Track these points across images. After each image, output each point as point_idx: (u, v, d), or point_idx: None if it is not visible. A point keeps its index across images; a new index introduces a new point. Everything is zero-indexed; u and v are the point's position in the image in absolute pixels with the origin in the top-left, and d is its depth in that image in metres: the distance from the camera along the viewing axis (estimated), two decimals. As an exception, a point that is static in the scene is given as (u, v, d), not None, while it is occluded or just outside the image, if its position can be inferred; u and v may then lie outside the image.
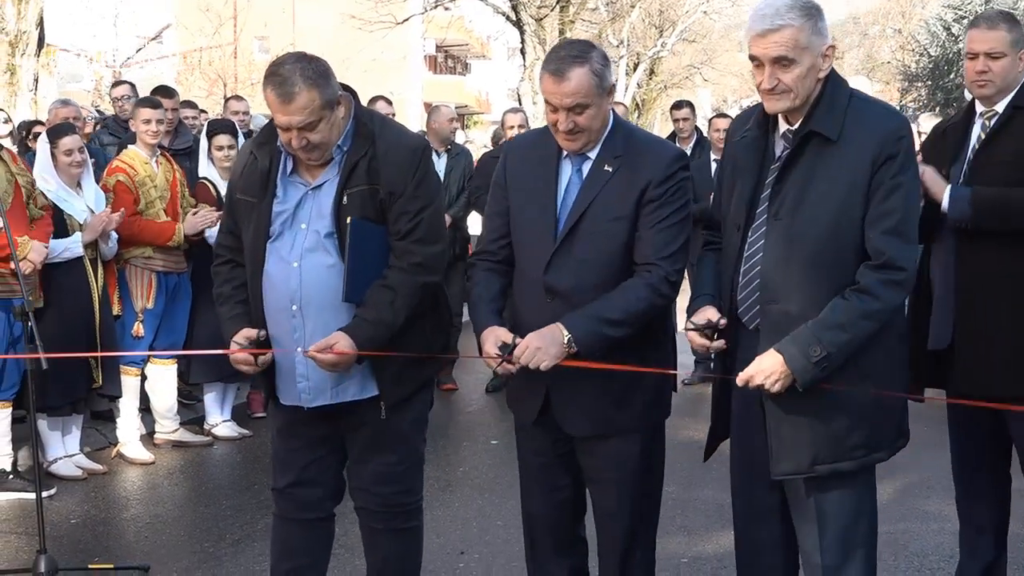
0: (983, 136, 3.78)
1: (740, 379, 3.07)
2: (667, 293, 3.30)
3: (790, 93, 3.02)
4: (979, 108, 3.85)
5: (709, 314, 3.19)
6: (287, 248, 3.46)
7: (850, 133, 3.02)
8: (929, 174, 3.73)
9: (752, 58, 3.04)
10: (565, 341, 3.20)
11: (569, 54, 3.24)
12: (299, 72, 3.27)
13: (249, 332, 3.49)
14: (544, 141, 3.43)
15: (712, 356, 3.31)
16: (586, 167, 3.35)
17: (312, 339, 3.42)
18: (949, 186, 3.71)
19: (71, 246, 5.94)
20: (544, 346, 3.19)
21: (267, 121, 3.62)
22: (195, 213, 6.63)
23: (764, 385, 3.02)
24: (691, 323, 3.20)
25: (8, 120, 9.03)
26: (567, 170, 3.39)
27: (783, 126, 3.14)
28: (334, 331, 3.38)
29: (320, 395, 3.53)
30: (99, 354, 6.00)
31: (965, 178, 3.76)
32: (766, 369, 3.01)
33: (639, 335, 3.33)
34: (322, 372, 3.45)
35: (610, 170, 3.30)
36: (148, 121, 6.51)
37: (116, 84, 9.28)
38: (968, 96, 4.06)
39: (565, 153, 3.38)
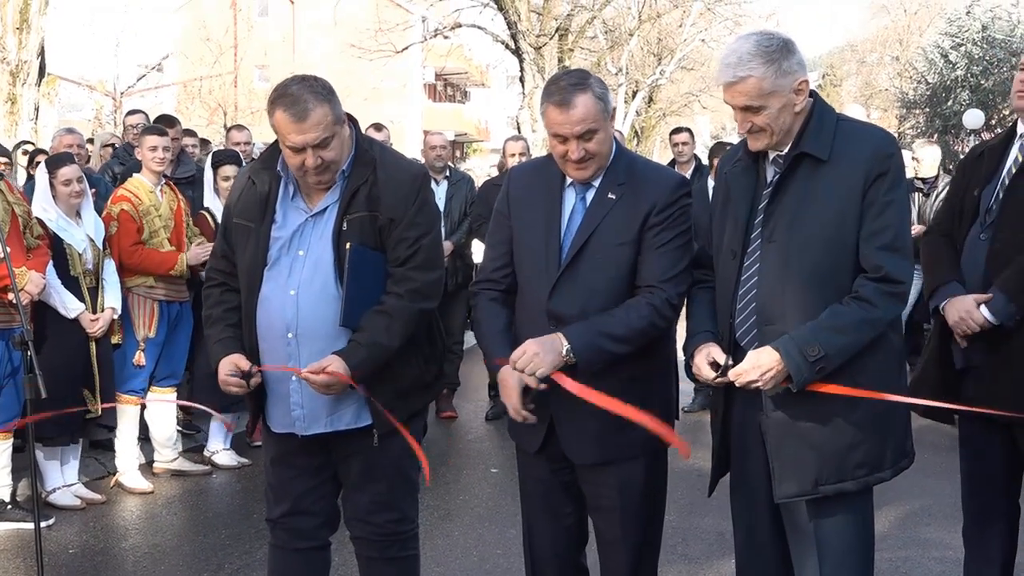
0: (1020, 158, 3.76)
1: (735, 376, 3.08)
2: (668, 315, 3.31)
3: (766, 132, 3.12)
4: (1020, 130, 3.83)
5: (716, 354, 3.19)
6: (284, 275, 3.45)
7: (840, 153, 3.08)
8: (951, 311, 3.70)
9: (731, 105, 3.14)
10: (564, 351, 3.20)
11: (569, 83, 3.28)
12: (308, 90, 3.31)
13: (240, 362, 3.46)
14: (547, 169, 3.46)
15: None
16: (590, 195, 3.38)
17: (307, 366, 3.42)
18: (982, 306, 3.65)
19: (69, 305, 5.93)
20: (542, 352, 3.19)
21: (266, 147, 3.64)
22: (199, 244, 6.63)
23: (759, 383, 3.03)
24: (694, 364, 3.22)
25: (26, 152, 9.14)
26: (571, 198, 3.42)
27: (772, 152, 3.21)
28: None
29: (315, 423, 3.53)
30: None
31: (997, 199, 3.74)
32: (763, 365, 3.03)
33: (643, 363, 3.35)
34: (317, 399, 3.45)
35: (614, 197, 3.33)
36: (155, 148, 6.52)
37: (131, 113, 9.24)
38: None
39: (569, 181, 3.41)
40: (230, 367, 3.45)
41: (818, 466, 3.12)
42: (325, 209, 3.47)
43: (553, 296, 3.35)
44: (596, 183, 3.37)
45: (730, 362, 3.15)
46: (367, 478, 3.64)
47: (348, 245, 3.37)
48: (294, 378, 3.46)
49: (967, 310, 3.66)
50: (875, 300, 3.03)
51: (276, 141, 3.50)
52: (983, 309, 3.64)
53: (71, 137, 7.82)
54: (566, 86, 3.27)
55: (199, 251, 6.55)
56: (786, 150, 3.14)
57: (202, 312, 3.68)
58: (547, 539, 3.63)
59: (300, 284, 3.43)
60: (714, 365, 3.19)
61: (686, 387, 8.94)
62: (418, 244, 3.46)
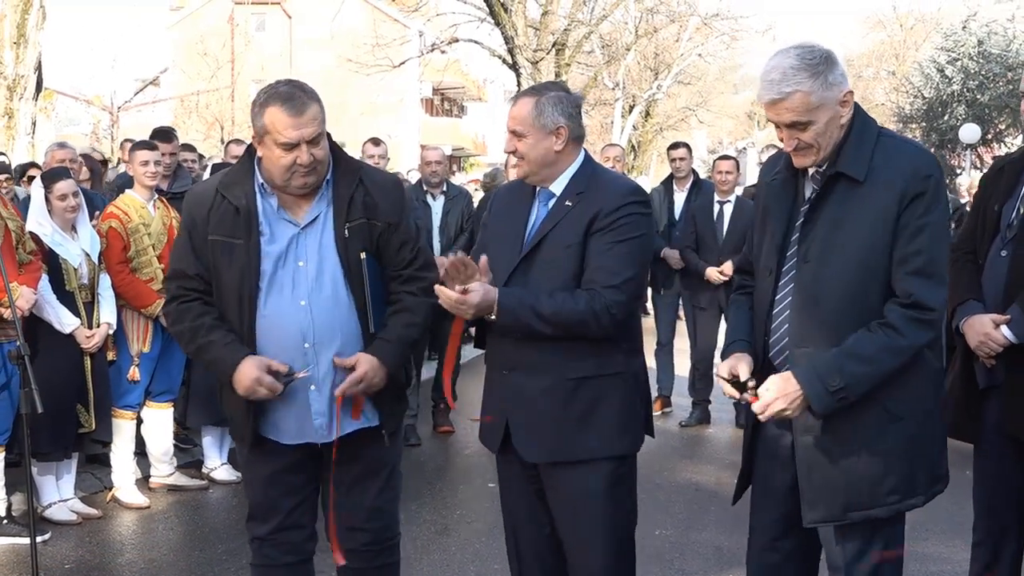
0: None
1: (761, 409, 3.02)
2: (605, 323, 3.35)
3: (813, 148, 3.05)
4: None
5: (741, 369, 3.15)
6: (287, 287, 3.46)
7: (877, 173, 3.01)
8: (971, 333, 3.69)
9: (775, 123, 3.07)
10: (492, 308, 3.34)
11: (531, 88, 3.57)
12: (299, 88, 3.40)
13: (273, 363, 3.42)
14: (523, 184, 3.63)
15: (743, 403, 3.27)
16: (552, 203, 3.51)
17: (326, 375, 3.49)
18: (1003, 327, 3.64)
19: (64, 321, 5.93)
20: (482, 293, 3.30)
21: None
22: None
23: (785, 411, 2.99)
24: (719, 375, 3.22)
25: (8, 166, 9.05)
26: (536, 208, 3.56)
27: (811, 168, 3.14)
28: (340, 372, 3.50)
29: (333, 429, 3.56)
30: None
31: (1017, 214, 3.74)
32: (790, 394, 2.97)
33: (593, 368, 3.42)
34: (333, 408, 3.51)
35: (570, 204, 3.46)
36: (146, 163, 6.51)
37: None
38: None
39: (539, 190, 3.55)
40: (262, 368, 3.41)
41: (848, 492, 3.07)
42: (316, 219, 3.50)
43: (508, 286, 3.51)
44: (558, 191, 3.50)
45: (752, 382, 3.11)
46: (367, 482, 3.69)
47: (363, 254, 3.47)
48: (312, 387, 3.50)
49: (986, 332, 3.64)
50: (902, 327, 2.95)
51: (245, 156, 3.56)
52: (1004, 329, 3.63)
53: (63, 152, 7.79)
54: (528, 89, 3.57)
55: None
56: (824, 167, 3.09)
57: (181, 325, 3.56)
58: (527, 548, 3.68)
59: (309, 294, 3.46)
60: (735, 381, 3.15)
61: (684, 401, 8.98)
62: (418, 245, 3.63)
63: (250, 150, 3.57)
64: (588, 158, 3.56)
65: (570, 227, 3.41)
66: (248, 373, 3.41)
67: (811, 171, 3.14)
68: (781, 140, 3.10)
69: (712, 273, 8.40)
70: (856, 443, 3.05)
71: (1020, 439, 3.66)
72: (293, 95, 3.35)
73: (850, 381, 2.93)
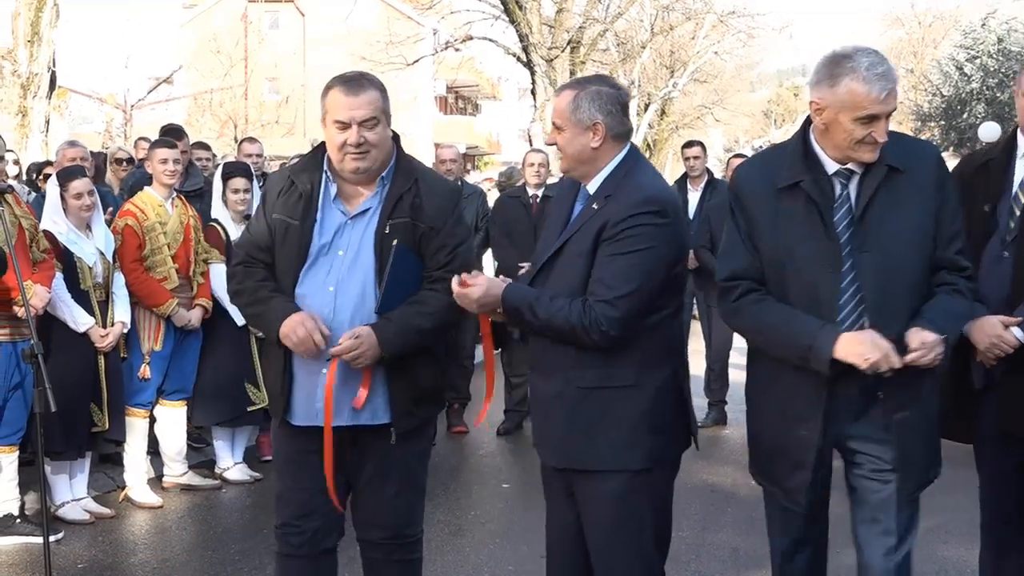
0: None
1: (916, 356, 3.11)
2: (594, 338, 3.27)
3: (880, 142, 3.22)
4: (1022, 141, 3.85)
5: (879, 339, 3.15)
6: (323, 273, 3.61)
7: (909, 161, 3.26)
8: (979, 336, 3.69)
9: (869, 117, 3.15)
10: (499, 301, 3.38)
11: (575, 80, 3.55)
12: (365, 75, 3.66)
13: (323, 327, 3.53)
14: (571, 182, 3.61)
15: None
16: (583, 205, 3.48)
17: (341, 361, 3.54)
18: (1014, 328, 3.64)
19: (79, 320, 5.96)
20: (484, 287, 3.37)
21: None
22: (191, 310, 6.64)
23: (927, 359, 3.12)
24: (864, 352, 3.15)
25: (16, 162, 9.07)
26: (577, 207, 3.52)
27: (832, 166, 3.28)
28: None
29: (337, 415, 3.59)
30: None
31: (1014, 216, 3.73)
32: (931, 342, 3.12)
33: (603, 379, 3.34)
34: (343, 392, 3.56)
35: (595, 208, 3.39)
36: (165, 161, 6.55)
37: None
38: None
39: (582, 187, 3.51)
40: (311, 323, 3.50)
41: (924, 461, 3.38)
42: (365, 212, 3.64)
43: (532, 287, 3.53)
44: (592, 192, 3.44)
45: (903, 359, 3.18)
46: (380, 480, 3.72)
47: (395, 242, 3.56)
48: (324, 370, 3.56)
49: (998, 334, 3.63)
50: (969, 296, 3.31)
51: (319, 146, 3.73)
52: (1015, 331, 3.62)
53: (75, 151, 7.81)
54: (571, 80, 3.58)
55: (185, 316, 6.56)
56: (849, 164, 3.26)
57: (241, 284, 3.71)
58: (557, 548, 3.65)
59: (339, 281, 3.59)
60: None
61: (700, 402, 8.97)
62: (456, 251, 3.68)
63: (323, 141, 3.73)
64: (628, 157, 3.45)
65: (587, 233, 3.35)
66: (295, 318, 3.52)
67: (832, 169, 3.28)
68: (860, 139, 3.18)
69: None
70: (923, 416, 3.34)
71: (1018, 435, 3.65)
72: (355, 79, 3.59)
73: (950, 338, 3.22)
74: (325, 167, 3.68)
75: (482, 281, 3.38)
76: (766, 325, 3.34)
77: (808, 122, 3.37)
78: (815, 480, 3.35)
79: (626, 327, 3.27)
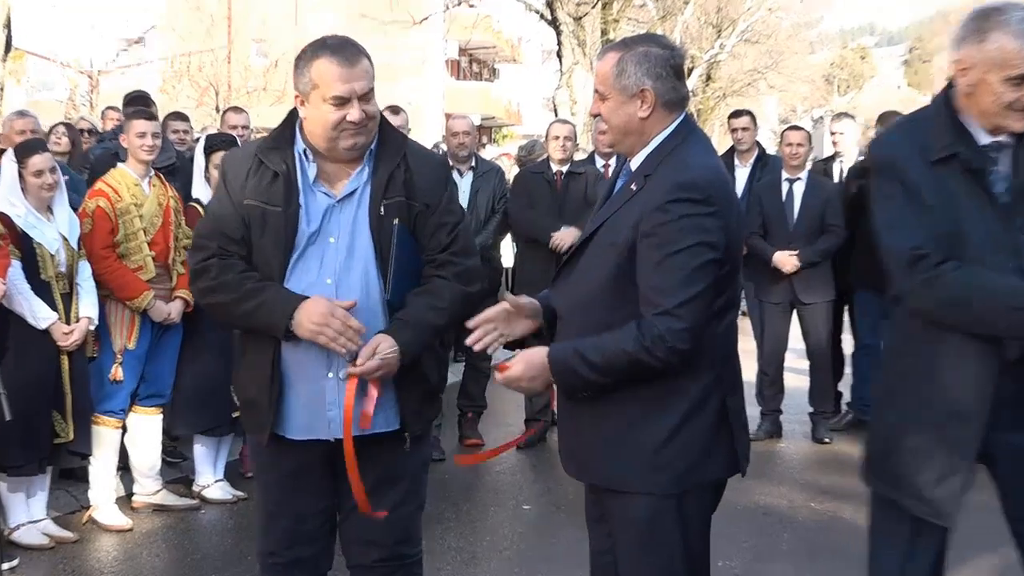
0: None
1: None
2: (661, 356, 3.17)
3: None
4: None
5: None
6: (315, 264, 3.62)
7: None
8: None
9: (1021, 77, 3.17)
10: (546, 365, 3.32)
11: (620, 41, 3.48)
12: (349, 40, 3.62)
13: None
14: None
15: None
16: (621, 183, 3.46)
17: (344, 362, 3.58)
18: None
19: (39, 314, 5.97)
20: (524, 363, 3.32)
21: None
22: (170, 302, 6.66)
23: None
24: None
25: None
26: (618, 185, 3.49)
27: (983, 136, 3.32)
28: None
29: (353, 424, 3.61)
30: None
31: None
32: None
33: (626, 393, 3.29)
34: (357, 399, 3.57)
35: (634, 189, 3.34)
36: (143, 135, 6.54)
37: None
38: None
39: (626, 163, 3.49)
40: (341, 311, 3.51)
41: None
42: (352, 193, 3.66)
43: (555, 282, 3.54)
44: (634, 169, 3.41)
45: None
46: (381, 492, 3.72)
47: (396, 222, 3.61)
48: (329, 375, 3.60)
49: None
50: None
51: (286, 121, 3.71)
52: None
53: (23, 121, 7.78)
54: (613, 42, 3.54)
55: (164, 310, 6.58)
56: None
57: (220, 278, 3.64)
58: (593, 571, 3.68)
59: (337, 273, 3.62)
60: None
61: (751, 411, 8.90)
62: (456, 230, 3.73)
63: (291, 114, 3.72)
64: (679, 129, 3.38)
65: (622, 221, 3.29)
66: (318, 306, 3.50)
67: (985, 140, 3.32)
68: (1009, 104, 3.21)
69: (782, 259, 8.36)
70: None
71: None
72: (344, 46, 3.56)
73: None
74: (299, 146, 3.67)
75: (518, 357, 3.33)
76: (980, 288, 3.27)
77: (950, 86, 3.38)
78: (963, 490, 3.36)
79: (696, 338, 3.18)
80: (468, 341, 3.50)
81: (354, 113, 3.52)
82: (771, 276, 8.50)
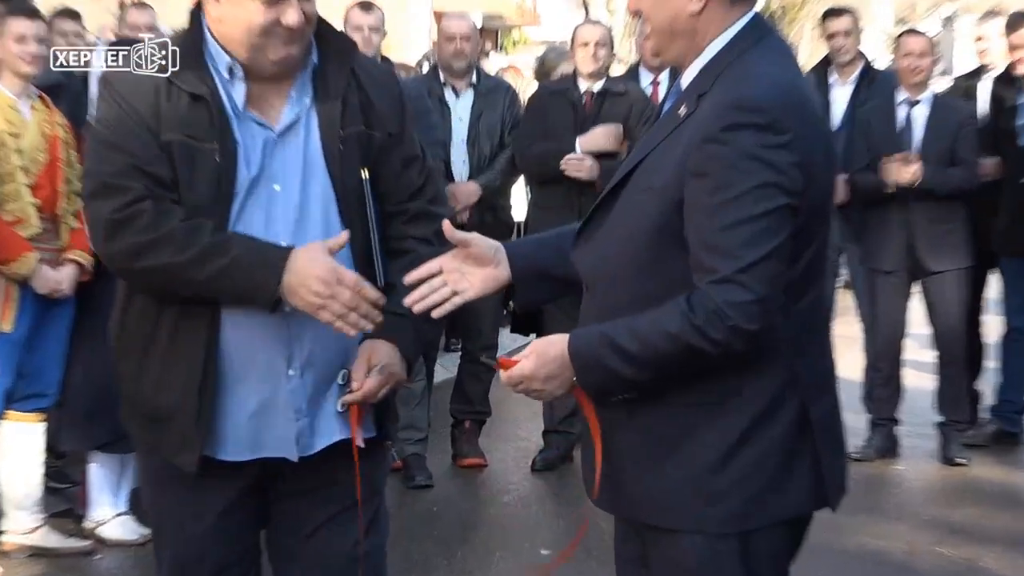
0: None
1: None
2: (719, 338, 3.08)
3: None
4: None
5: None
6: (260, 220, 3.56)
7: None
8: None
9: None
10: (571, 375, 3.25)
11: None
12: None
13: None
14: None
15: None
16: (670, 104, 3.40)
17: (312, 353, 3.61)
18: None
19: None
20: (534, 357, 3.26)
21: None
22: (59, 267, 6.60)
23: None
24: None
25: None
26: (665, 109, 3.45)
27: None
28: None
29: (325, 433, 3.66)
30: None
31: None
32: None
33: (676, 397, 3.25)
34: (327, 405, 3.65)
35: (683, 114, 3.26)
36: (23, 39, 6.51)
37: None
38: None
39: (675, 82, 3.44)
40: (351, 276, 3.45)
41: None
42: (295, 123, 3.62)
43: (578, 242, 3.45)
44: (684, 85, 3.36)
45: None
46: (342, 519, 3.74)
47: (364, 173, 3.62)
48: (290, 372, 3.58)
49: None
50: None
51: (190, 23, 3.64)
52: None
53: None
54: None
55: (54, 277, 6.57)
56: None
57: (158, 229, 3.48)
58: None
59: (292, 233, 3.55)
60: None
61: (856, 420, 8.83)
62: (427, 167, 3.77)
63: (196, 11, 3.63)
64: (746, 32, 3.31)
65: (666, 157, 3.23)
66: (316, 265, 3.42)
67: None
68: None
69: (895, 169, 8.07)
70: None
71: None
72: None
73: None
74: (218, 58, 3.58)
75: (529, 349, 3.27)
76: None
77: None
78: None
79: (767, 313, 3.10)
80: (406, 301, 3.42)
81: (291, 15, 3.43)
82: (888, 235, 8.31)
